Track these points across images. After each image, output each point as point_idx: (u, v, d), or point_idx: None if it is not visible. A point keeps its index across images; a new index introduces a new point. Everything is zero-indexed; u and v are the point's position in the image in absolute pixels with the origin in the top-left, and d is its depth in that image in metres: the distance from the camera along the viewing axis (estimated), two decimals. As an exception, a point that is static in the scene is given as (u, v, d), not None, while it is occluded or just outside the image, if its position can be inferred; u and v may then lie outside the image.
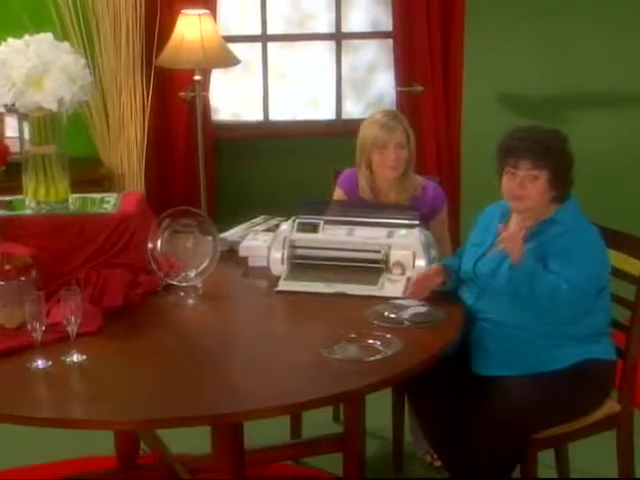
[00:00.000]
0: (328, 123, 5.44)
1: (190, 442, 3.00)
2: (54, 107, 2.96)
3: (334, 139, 5.21)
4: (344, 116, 5.45)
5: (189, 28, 4.62)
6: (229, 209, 5.03)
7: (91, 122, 5.05)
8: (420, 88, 5.19)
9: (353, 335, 2.71)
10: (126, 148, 5.05)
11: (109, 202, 3.17)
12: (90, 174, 4.96)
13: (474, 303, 3.01)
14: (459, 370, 3.02)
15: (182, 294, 3.05)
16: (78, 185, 4.17)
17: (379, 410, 3.49)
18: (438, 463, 3.41)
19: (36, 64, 2.92)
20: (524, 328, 2.91)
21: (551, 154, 2.91)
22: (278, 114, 5.45)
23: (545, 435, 2.91)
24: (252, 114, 5.46)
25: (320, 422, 3.59)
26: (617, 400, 3.04)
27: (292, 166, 5.39)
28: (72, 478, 3.39)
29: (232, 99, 5.48)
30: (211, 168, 5.23)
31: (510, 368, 2.93)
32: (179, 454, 3.24)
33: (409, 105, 5.22)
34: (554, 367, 2.91)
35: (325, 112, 5.48)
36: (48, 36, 3.03)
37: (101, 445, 3.38)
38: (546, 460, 3.18)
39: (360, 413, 3.19)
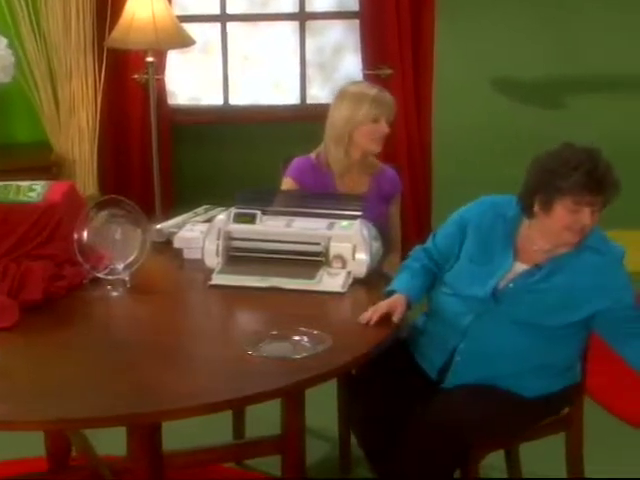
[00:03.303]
0: (292, 108, 5.42)
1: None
2: (-27, 89, 2.94)
3: (299, 124, 5.21)
4: (309, 100, 5.44)
5: (140, 7, 4.61)
6: (188, 197, 5.01)
7: (40, 106, 5.04)
8: (389, 71, 5.18)
9: (275, 332, 2.69)
10: (77, 133, 5.05)
11: (35, 190, 3.14)
12: (39, 160, 4.97)
13: (471, 323, 2.92)
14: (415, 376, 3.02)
15: (109, 287, 3.03)
16: (26, 172, 4.19)
17: (327, 409, 3.49)
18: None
19: (-48, 44, 2.91)
20: (520, 356, 2.88)
21: (617, 191, 2.83)
22: (239, 98, 5.44)
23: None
24: (212, 98, 5.44)
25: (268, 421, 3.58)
26: (565, 402, 3.05)
27: (254, 152, 5.38)
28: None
29: (190, 82, 5.47)
30: (168, 154, 5.22)
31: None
32: (111, 455, 3.23)
33: (377, 89, 5.20)
34: (525, 394, 2.90)
35: (289, 96, 5.47)
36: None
37: (34, 446, 3.37)
38: (496, 462, 3.20)
39: (299, 412, 3.16)
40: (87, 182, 5.07)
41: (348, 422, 3.34)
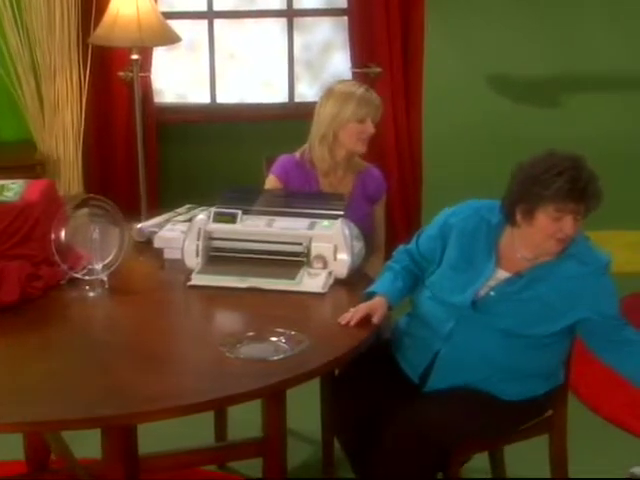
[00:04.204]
0: (280, 106, 5.42)
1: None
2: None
3: (286, 123, 5.21)
4: (297, 99, 5.43)
5: (124, 3, 4.59)
6: (174, 196, 4.99)
7: (24, 104, 5.03)
8: (378, 69, 5.17)
9: (251, 333, 2.69)
10: (62, 131, 5.04)
11: (12, 189, 3.14)
12: (23, 159, 4.96)
13: (453, 329, 2.91)
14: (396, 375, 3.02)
15: (87, 288, 3.03)
16: (10, 171, 4.19)
17: (310, 411, 3.49)
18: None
19: None
20: (502, 364, 2.88)
21: (599, 200, 2.81)
22: (226, 96, 5.43)
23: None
24: (199, 96, 5.44)
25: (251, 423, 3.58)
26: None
27: (241, 151, 5.37)
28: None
29: (177, 80, 5.46)
30: (154, 153, 5.22)
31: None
32: (90, 458, 3.23)
33: (366, 87, 5.20)
34: (507, 398, 2.91)
35: (277, 94, 5.46)
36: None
37: (14, 449, 3.37)
38: (481, 464, 3.22)
39: (280, 414, 3.16)
40: (72, 181, 5.07)
41: (330, 424, 3.34)
